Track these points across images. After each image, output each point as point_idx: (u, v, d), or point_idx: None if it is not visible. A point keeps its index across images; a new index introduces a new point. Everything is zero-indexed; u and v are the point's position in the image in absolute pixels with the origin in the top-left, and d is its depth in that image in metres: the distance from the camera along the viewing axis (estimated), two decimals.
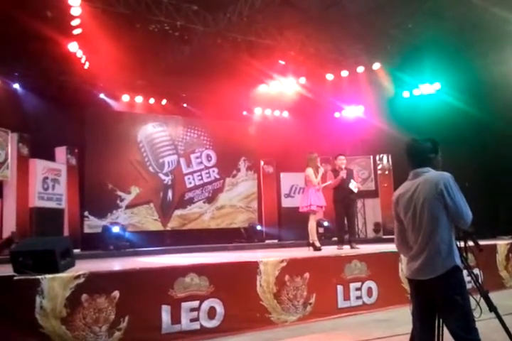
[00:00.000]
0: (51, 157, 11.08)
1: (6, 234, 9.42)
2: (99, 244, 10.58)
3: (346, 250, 8.09)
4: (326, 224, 12.44)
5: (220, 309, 5.45)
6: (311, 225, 8.38)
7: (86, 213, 11.62)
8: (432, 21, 10.05)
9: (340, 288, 6.48)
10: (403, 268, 6.69)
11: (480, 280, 3.30)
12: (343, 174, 8.56)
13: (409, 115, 12.05)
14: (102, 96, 12.12)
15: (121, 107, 12.59)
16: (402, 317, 4.58)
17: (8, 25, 8.44)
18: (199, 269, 5.47)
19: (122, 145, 12.50)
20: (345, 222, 8.86)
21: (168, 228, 12.83)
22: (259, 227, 13.42)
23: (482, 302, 3.22)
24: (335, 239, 9.70)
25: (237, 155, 14.16)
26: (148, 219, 12.56)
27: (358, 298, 6.62)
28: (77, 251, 9.00)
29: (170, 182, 13.03)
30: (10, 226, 9.58)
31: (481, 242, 3.41)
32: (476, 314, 3.10)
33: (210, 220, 13.50)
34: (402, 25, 10.53)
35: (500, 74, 10.57)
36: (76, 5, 8.49)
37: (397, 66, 11.78)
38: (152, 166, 12.84)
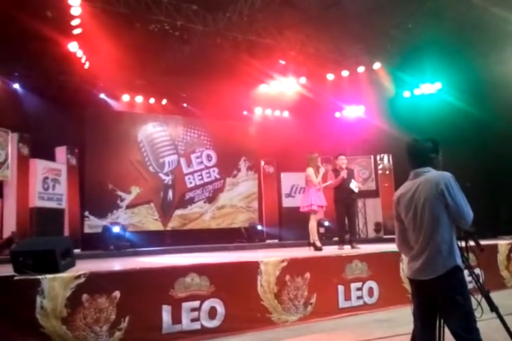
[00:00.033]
0: (51, 157, 11.07)
1: (6, 234, 9.41)
2: (100, 244, 10.57)
3: (347, 250, 8.08)
4: (326, 224, 12.43)
5: (220, 309, 5.45)
6: (312, 225, 8.38)
7: (86, 213, 11.61)
8: (432, 21, 10.05)
9: (341, 288, 6.47)
10: (404, 268, 6.69)
11: (481, 280, 3.30)
12: (343, 174, 8.56)
13: (409, 115, 12.04)
14: (102, 96, 12.11)
15: (122, 107, 12.58)
16: (403, 317, 4.58)
17: (8, 25, 8.44)
18: (200, 269, 5.47)
19: (122, 145, 12.49)
20: (346, 221, 8.86)
21: (168, 228, 12.82)
22: (259, 227, 13.40)
23: (483, 302, 3.21)
24: (336, 238, 9.70)
25: (237, 155, 14.16)
26: (148, 219, 12.55)
27: (359, 298, 6.61)
28: (77, 251, 9.00)
29: (170, 182, 13.03)
30: (10, 226, 9.57)
31: (482, 242, 3.40)
32: (477, 314, 3.09)
33: (210, 220, 13.49)
34: (402, 25, 10.52)
35: (500, 74, 10.56)
36: (76, 5, 8.48)
37: (398, 66, 11.77)
38: (152, 166, 12.83)
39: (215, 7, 9.89)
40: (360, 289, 6.64)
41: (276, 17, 10.33)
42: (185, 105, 13.45)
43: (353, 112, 14.44)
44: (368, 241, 11.84)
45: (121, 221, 11.78)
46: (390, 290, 6.75)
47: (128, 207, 12.24)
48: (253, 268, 5.84)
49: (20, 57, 9.70)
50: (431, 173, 3.25)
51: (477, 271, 3.48)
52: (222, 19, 9.98)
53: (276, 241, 13.15)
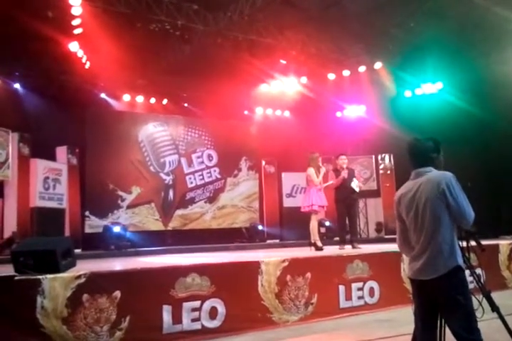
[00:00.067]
0: (52, 157, 11.07)
1: (6, 234, 9.42)
2: (100, 244, 10.58)
3: (348, 250, 8.07)
4: (327, 223, 12.43)
5: (221, 309, 5.44)
6: (313, 225, 8.37)
7: (87, 213, 11.61)
8: (433, 21, 10.03)
9: (342, 288, 6.46)
10: (405, 268, 6.68)
11: (482, 280, 3.29)
12: (344, 174, 8.55)
13: (411, 114, 12.03)
14: (102, 95, 12.12)
15: (122, 107, 12.58)
16: (404, 317, 4.56)
17: (9, 25, 8.44)
18: (200, 269, 5.46)
19: (123, 145, 12.49)
20: (347, 221, 8.85)
21: (169, 228, 12.82)
22: (260, 227, 13.40)
23: (484, 302, 3.20)
24: (337, 238, 9.68)
25: (238, 154, 14.15)
26: (149, 219, 12.55)
27: (360, 298, 6.60)
28: (78, 251, 9.01)
29: (171, 182, 13.03)
30: (11, 226, 9.58)
31: (483, 242, 3.39)
32: (478, 314, 3.09)
33: (211, 220, 13.49)
34: (403, 24, 10.50)
35: (502, 73, 10.54)
36: (77, 4, 8.48)
37: (399, 65, 11.75)
38: (153, 166, 12.83)
39: (215, 6, 9.89)
40: (361, 289, 6.63)
41: (276, 16, 10.32)
42: (186, 105, 13.45)
43: (354, 112, 14.43)
44: (369, 241, 11.85)
45: (122, 221, 11.79)
46: (391, 290, 6.74)
47: (129, 206, 12.24)
48: (254, 268, 5.83)
49: (21, 57, 9.70)
50: (432, 173, 3.24)
51: (478, 271, 3.47)
52: (222, 19, 9.97)
53: (277, 241, 13.14)
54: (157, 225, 12.66)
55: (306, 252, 7.86)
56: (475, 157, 11.17)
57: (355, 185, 8.62)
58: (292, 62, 11.85)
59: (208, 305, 5.37)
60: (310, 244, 8.38)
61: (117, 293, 4.81)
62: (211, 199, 13.60)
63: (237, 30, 10.41)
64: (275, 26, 10.83)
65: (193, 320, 5.25)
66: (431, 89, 12.67)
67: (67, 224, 10.81)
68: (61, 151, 11.29)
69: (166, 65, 11.02)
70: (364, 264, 6.76)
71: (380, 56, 11.98)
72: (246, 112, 14.39)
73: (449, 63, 10.88)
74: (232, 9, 9.74)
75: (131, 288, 4.94)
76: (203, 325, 5.30)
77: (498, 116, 10.72)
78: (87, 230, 11.49)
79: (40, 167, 10.34)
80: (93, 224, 11.59)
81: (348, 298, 6.49)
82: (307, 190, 8.55)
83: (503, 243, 8.55)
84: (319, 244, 8.29)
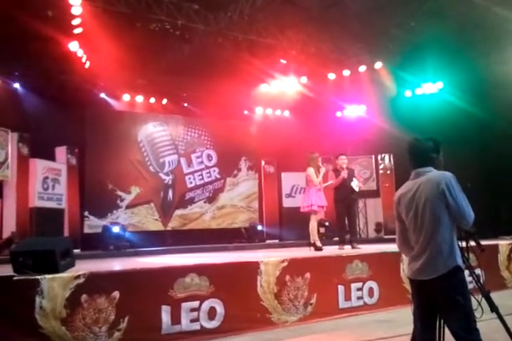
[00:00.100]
0: (51, 157, 11.06)
1: (6, 234, 9.41)
2: (100, 244, 10.56)
3: (347, 250, 8.07)
4: (327, 224, 12.41)
5: (220, 309, 5.43)
6: (312, 225, 8.37)
7: (86, 213, 11.60)
8: (433, 20, 10.02)
9: (341, 288, 6.45)
10: (404, 268, 6.67)
11: (481, 281, 3.29)
12: (344, 174, 8.54)
13: (411, 114, 12.02)
14: (102, 95, 12.11)
15: (122, 107, 12.57)
16: (403, 318, 4.55)
17: (8, 25, 8.43)
18: (199, 269, 5.46)
19: (123, 145, 12.48)
20: (347, 221, 8.84)
21: (168, 228, 12.81)
22: (259, 227, 13.40)
23: (483, 302, 3.20)
24: (336, 239, 9.68)
25: (238, 154, 14.14)
26: (148, 219, 12.54)
27: (359, 298, 6.59)
28: (77, 251, 9.00)
29: (170, 182, 13.01)
30: (10, 227, 9.57)
31: (483, 242, 3.39)
32: (477, 314, 3.09)
33: (210, 220, 13.48)
34: (403, 24, 10.50)
35: (502, 73, 10.54)
36: (77, 4, 8.48)
37: (399, 65, 11.74)
38: (153, 166, 12.82)
39: (216, 6, 9.88)
40: (360, 289, 6.62)
41: (277, 16, 10.31)
42: (185, 105, 13.44)
43: (354, 112, 14.42)
44: (368, 241, 11.83)
45: (121, 221, 11.77)
46: (391, 291, 6.73)
47: (128, 207, 12.23)
48: (253, 268, 5.82)
49: (21, 57, 9.69)
50: (432, 173, 3.24)
51: (478, 271, 3.46)
52: (223, 18, 9.97)
53: (277, 241, 13.14)
54: (156, 225, 12.65)
55: (305, 252, 7.86)
56: (474, 157, 11.17)
57: (355, 184, 8.62)
58: (292, 62, 11.84)
59: (206, 305, 5.36)
60: (309, 244, 8.38)
61: (116, 294, 4.80)
62: (210, 200, 13.59)
63: (238, 30, 10.40)
64: (275, 26, 10.82)
65: (192, 321, 5.24)
66: (431, 89, 12.66)
67: (66, 225, 10.80)
68: (60, 151, 11.28)
69: (165, 65, 11.01)
70: (363, 264, 6.75)
71: (380, 56, 11.97)
72: (246, 112, 14.37)
73: (449, 63, 10.87)
74: (232, 9, 9.73)
75: (130, 289, 4.93)
76: (201, 326, 5.29)
77: (497, 116, 10.72)
78: (86, 230, 11.48)
79: (39, 167, 10.33)
80: (92, 224, 11.58)
81: (348, 298, 6.48)
82: (307, 190, 8.54)
83: (503, 243, 8.55)
84: (319, 244, 8.29)
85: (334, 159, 9.78)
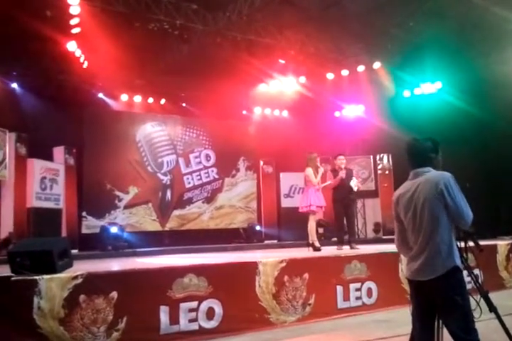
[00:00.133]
0: (49, 157, 11.03)
1: (3, 235, 9.38)
2: (97, 245, 10.53)
3: (346, 250, 8.07)
4: (325, 224, 12.40)
5: (218, 309, 5.43)
6: (311, 225, 8.36)
7: (84, 213, 11.57)
8: (432, 20, 10.02)
9: (339, 288, 6.45)
10: (403, 268, 6.66)
11: (480, 281, 3.28)
12: (342, 174, 8.54)
13: (409, 114, 12.02)
14: (100, 95, 12.09)
15: (120, 107, 12.55)
16: (401, 318, 4.55)
17: (6, 25, 8.40)
18: (198, 270, 5.45)
19: (121, 145, 12.46)
20: (345, 222, 8.83)
21: (166, 228, 12.78)
22: (258, 227, 13.39)
23: (482, 302, 3.20)
24: (334, 239, 9.67)
25: (236, 154, 14.12)
26: (146, 220, 12.51)
27: (358, 298, 6.60)
28: (74, 251, 8.99)
29: (169, 182, 12.99)
30: (7, 227, 9.54)
31: (482, 242, 3.39)
32: (476, 314, 3.09)
33: (209, 220, 13.46)
34: (402, 24, 10.49)
35: (501, 73, 10.53)
36: (75, 4, 8.45)
37: (398, 65, 11.73)
38: (151, 166, 12.79)
39: (214, 6, 9.86)
40: (359, 289, 6.62)
41: (275, 16, 10.31)
42: (184, 105, 13.43)
43: (352, 112, 14.41)
44: (367, 241, 11.82)
45: (119, 221, 11.75)
46: (389, 291, 6.73)
47: (126, 207, 12.20)
48: (251, 268, 5.82)
49: (19, 57, 9.66)
50: (431, 173, 3.23)
51: (476, 271, 3.45)
52: (221, 18, 9.95)
53: (275, 241, 13.12)
54: (154, 225, 12.63)
55: (304, 253, 7.85)
56: (474, 157, 11.17)
57: (354, 183, 8.61)
58: (291, 62, 11.83)
59: (205, 305, 5.36)
60: (308, 245, 8.37)
61: (114, 294, 4.80)
62: (209, 200, 13.57)
63: (236, 30, 10.39)
64: (274, 26, 10.81)
65: (191, 321, 5.24)
66: (430, 89, 12.66)
67: (64, 225, 10.77)
68: (58, 151, 11.25)
69: (164, 65, 11.00)
70: (362, 265, 6.75)
71: (379, 56, 11.96)
72: (244, 112, 14.36)
73: (449, 63, 10.86)
74: (231, 9, 9.72)
75: (128, 289, 4.92)
76: (200, 326, 5.29)
77: (497, 116, 10.71)
78: (84, 230, 11.46)
79: (37, 167, 10.30)
80: (90, 224, 11.55)
81: (346, 298, 6.48)
82: (305, 191, 8.53)
83: (501, 243, 8.56)
84: (317, 244, 8.28)
85: (333, 159, 9.79)
